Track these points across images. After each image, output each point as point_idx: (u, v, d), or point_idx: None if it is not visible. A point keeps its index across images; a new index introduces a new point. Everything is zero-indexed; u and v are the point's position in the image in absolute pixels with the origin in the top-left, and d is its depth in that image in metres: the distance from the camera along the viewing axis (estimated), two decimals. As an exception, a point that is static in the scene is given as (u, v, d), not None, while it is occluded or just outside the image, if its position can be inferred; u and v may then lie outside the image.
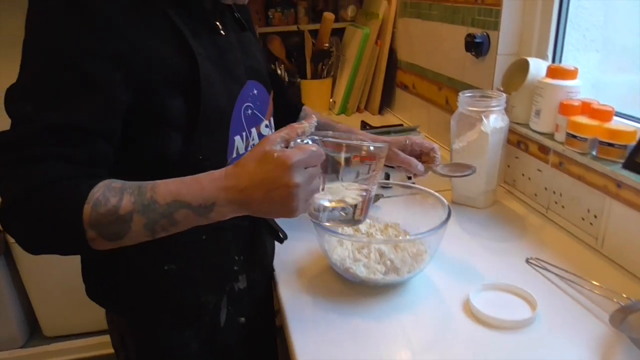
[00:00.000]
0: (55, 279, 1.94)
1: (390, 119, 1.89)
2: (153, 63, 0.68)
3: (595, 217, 0.97)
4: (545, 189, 1.10)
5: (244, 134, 0.80)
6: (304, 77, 1.95)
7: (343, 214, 0.78)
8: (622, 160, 0.91)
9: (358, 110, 1.98)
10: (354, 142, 0.78)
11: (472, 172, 0.98)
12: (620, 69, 1.08)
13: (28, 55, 0.64)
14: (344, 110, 1.96)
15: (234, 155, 0.78)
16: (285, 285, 0.89)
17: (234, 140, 0.78)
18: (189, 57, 0.71)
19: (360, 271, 0.84)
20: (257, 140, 0.84)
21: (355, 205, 0.78)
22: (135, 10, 0.66)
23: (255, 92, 0.83)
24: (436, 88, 1.56)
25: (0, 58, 1.77)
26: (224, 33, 0.80)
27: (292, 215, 0.66)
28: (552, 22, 1.14)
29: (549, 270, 0.91)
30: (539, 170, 1.12)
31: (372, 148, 0.79)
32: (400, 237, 0.94)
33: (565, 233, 1.04)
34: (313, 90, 1.97)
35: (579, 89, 1.04)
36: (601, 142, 0.93)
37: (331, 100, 1.98)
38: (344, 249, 0.88)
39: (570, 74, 1.04)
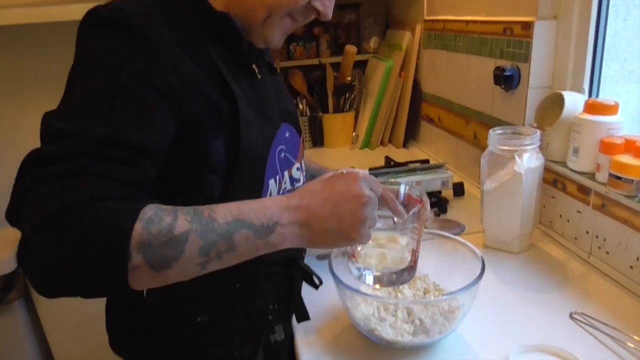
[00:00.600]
0: (76, 327, 1.90)
1: (415, 152, 1.83)
2: (200, 103, 0.67)
3: (646, 266, 0.88)
4: (587, 232, 1.01)
5: (277, 177, 0.79)
6: (326, 111, 1.91)
7: (394, 275, 0.74)
8: (675, 205, 0.83)
9: (382, 143, 1.92)
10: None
11: (460, 231, 0.91)
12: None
13: (78, 78, 0.62)
14: (367, 144, 1.91)
15: None
16: (305, 345, 0.82)
17: (269, 184, 0.76)
18: (230, 99, 0.70)
19: (387, 332, 0.77)
20: (289, 184, 0.82)
21: (408, 266, 0.75)
22: (185, 49, 0.66)
23: (287, 134, 0.82)
24: (463, 122, 1.49)
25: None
26: (259, 76, 0.80)
27: (360, 236, 0.65)
28: (588, 53, 1.07)
29: (595, 328, 0.82)
30: (578, 212, 1.03)
31: (418, 193, 0.77)
32: (431, 296, 0.87)
33: (611, 282, 0.95)
34: (335, 124, 1.92)
35: (621, 124, 0.96)
36: (650, 185, 0.85)
37: (354, 134, 1.93)
38: (369, 306, 0.82)
39: (611, 109, 0.96)
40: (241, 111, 0.70)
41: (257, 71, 0.80)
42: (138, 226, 0.53)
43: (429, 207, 0.91)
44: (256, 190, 0.75)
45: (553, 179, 1.10)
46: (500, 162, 1.04)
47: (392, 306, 0.80)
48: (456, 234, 0.90)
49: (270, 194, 0.77)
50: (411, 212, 0.76)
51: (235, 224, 0.58)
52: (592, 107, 0.97)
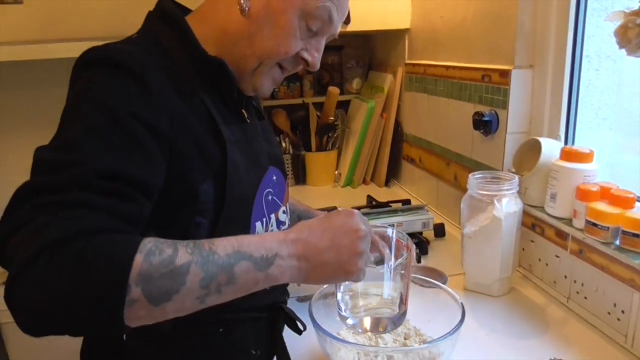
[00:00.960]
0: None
1: (397, 191, 1.84)
2: (190, 145, 0.67)
3: (623, 312, 0.89)
4: (565, 277, 1.03)
5: (264, 219, 0.79)
6: (309, 149, 1.93)
7: (391, 321, 0.75)
8: (650, 253, 0.84)
9: (364, 182, 1.94)
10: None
11: (443, 282, 0.92)
12: (637, 149, 1.03)
13: (74, 114, 0.62)
14: (349, 182, 1.92)
15: None
16: (284, 393, 0.81)
17: (255, 226, 0.76)
18: (219, 143, 0.71)
19: (367, 380, 0.76)
20: (276, 226, 0.83)
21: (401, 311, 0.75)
22: (178, 92, 0.67)
23: (274, 178, 0.83)
24: (444, 163, 1.52)
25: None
26: (249, 121, 0.81)
27: (357, 269, 0.66)
28: (563, 101, 1.11)
29: (576, 375, 0.82)
30: (557, 256, 1.05)
31: (405, 237, 0.77)
32: (413, 341, 0.86)
33: (589, 327, 0.96)
34: (318, 163, 1.94)
35: (596, 172, 0.99)
36: (625, 232, 0.87)
37: (337, 172, 1.94)
38: (349, 352, 0.80)
39: (586, 157, 0.99)
40: (229, 154, 0.71)
41: (246, 116, 0.81)
42: (139, 257, 0.52)
43: (414, 252, 0.93)
44: (243, 233, 0.75)
45: (532, 223, 1.12)
46: (480, 206, 1.05)
47: (373, 353, 0.80)
48: (438, 286, 0.90)
49: None
50: (402, 258, 0.76)
51: (236, 256, 0.58)
52: (568, 155, 1.00)
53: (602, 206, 0.91)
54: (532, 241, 1.12)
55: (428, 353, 0.80)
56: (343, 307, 0.76)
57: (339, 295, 0.76)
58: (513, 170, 1.12)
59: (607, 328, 0.92)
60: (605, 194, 0.94)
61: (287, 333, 0.86)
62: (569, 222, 1.00)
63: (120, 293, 0.51)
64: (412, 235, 1.32)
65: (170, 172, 0.65)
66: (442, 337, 0.73)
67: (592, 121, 1.15)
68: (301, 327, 0.84)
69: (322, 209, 1.49)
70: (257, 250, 0.60)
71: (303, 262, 0.63)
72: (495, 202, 1.02)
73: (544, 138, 1.09)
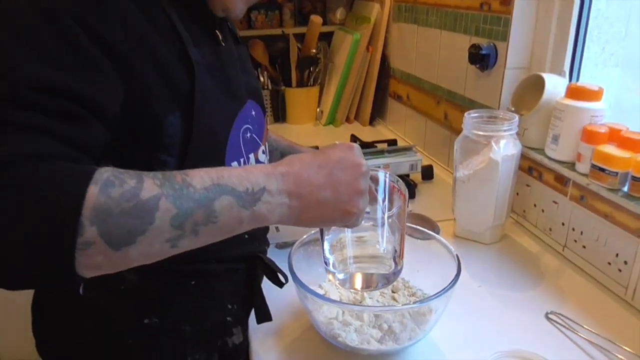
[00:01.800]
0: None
1: (382, 131, 1.75)
2: (152, 67, 0.55)
3: (626, 263, 0.83)
4: (563, 224, 0.96)
5: (241, 160, 0.68)
6: (289, 85, 1.80)
7: (385, 279, 0.67)
8: (661, 201, 0.77)
9: (347, 120, 1.83)
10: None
11: (436, 232, 0.82)
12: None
13: (4, 18, 0.49)
14: (332, 120, 1.81)
15: None
16: (260, 350, 0.74)
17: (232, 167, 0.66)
18: (187, 66, 0.59)
19: (351, 339, 0.69)
20: None
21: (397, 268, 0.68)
22: (138, 3, 0.55)
23: (253, 113, 0.72)
24: (434, 101, 1.42)
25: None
26: (224, 44, 0.69)
27: (358, 210, 0.57)
28: (570, 33, 1.00)
29: (572, 330, 0.77)
30: (554, 202, 0.97)
31: (397, 182, 0.68)
32: (401, 295, 0.79)
33: (587, 278, 0.90)
34: (299, 99, 1.81)
35: (604, 112, 0.90)
36: (635, 178, 0.79)
37: (318, 110, 1.83)
38: (332, 308, 0.73)
39: (595, 94, 0.90)
40: (198, 79, 0.60)
41: (220, 38, 0.69)
42: (93, 189, 0.42)
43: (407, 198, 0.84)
44: None
45: (529, 166, 1.04)
46: (475, 148, 0.97)
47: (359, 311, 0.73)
48: (428, 239, 0.82)
49: None
50: (395, 208, 0.67)
51: (215, 189, 0.48)
52: (575, 92, 0.91)
53: (610, 149, 0.83)
54: (527, 185, 1.05)
55: (418, 309, 0.73)
56: (331, 260, 0.67)
57: (327, 246, 0.67)
58: (512, 109, 1.03)
59: (606, 279, 0.87)
60: (615, 136, 0.85)
61: (267, 285, 0.78)
62: (571, 166, 0.92)
63: (70, 234, 0.40)
64: (399, 177, 1.24)
65: (129, 100, 0.54)
66: (435, 295, 0.66)
67: (598, 57, 1.05)
68: (282, 280, 0.76)
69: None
70: (241, 183, 0.50)
71: (295, 199, 0.53)
72: (493, 143, 0.94)
73: (547, 74, 0.99)
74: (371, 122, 1.80)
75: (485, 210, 0.98)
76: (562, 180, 0.95)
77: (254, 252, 0.76)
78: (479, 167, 0.96)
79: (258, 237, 0.79)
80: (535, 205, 1.04)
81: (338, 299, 0.77)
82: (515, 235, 1.05)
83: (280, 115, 1.85)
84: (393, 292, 0.80)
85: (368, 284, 0.66)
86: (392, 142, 1.48)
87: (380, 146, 1.44)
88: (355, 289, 0.69)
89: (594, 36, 1.02)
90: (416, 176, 1.29)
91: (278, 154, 0.98)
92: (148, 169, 0.52)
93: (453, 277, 0.69)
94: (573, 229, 0.94)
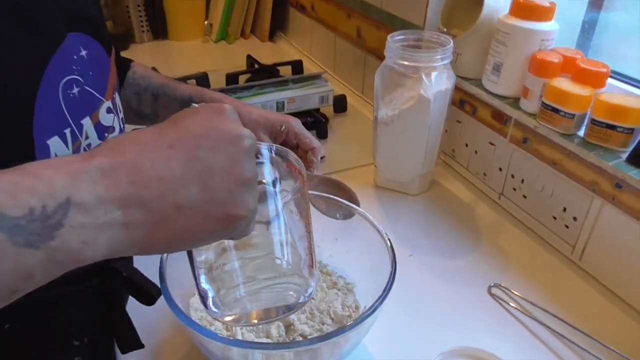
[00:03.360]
0: None
1: (285, 49, 1.49)
2: None
3: (575, 219, 0.71)
4: (500, 169, 0.82)
5: (67, 131, 0.43)
6: (168, -8, 1.46)
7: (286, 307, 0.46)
8: (625, 149, 0.64)
9: (243, 35, 1.55)
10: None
11: (356, 204, 0.63)
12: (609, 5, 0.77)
13: None
14: (223, 35, 1.52)
15: None
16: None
17: (48, 145, 0.41)
18: None
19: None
20: (95, 137, 0.47)
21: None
22: None
23: (83, 53, 0.46)
24: (344, 14, 1.18)
25: None
26: None
27: (244, 213, 0.35)
28: None
29: (520, 309, 0.64)
30: (491, 144, 0.82)
31: (290, 155, 0.46)
32: (336, 291, 0.61)
33: (527, 233, 0.78)
34: (181, 11, 1.48)
35: (555, 34, 0.73)
36: (595, 122, 0.65)
37: (206, 22, 1.52)
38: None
39: (546, 12, 0.72)
40: None
41: None
42: None
43: (319, 158, 0.64)
44: (19, 162, 0.40)
45: (460, 98, 0.87)
46: (401, 81, 0.77)
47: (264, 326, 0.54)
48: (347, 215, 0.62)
49: None
50: (290, 194, 0.47)
51: None
52: (522, 9, 0.72)
53: (566, 85, 0.67)
54: (458, 122, 0.89)
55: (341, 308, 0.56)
56: (210, 295, 0.45)
57: (201, 274, 0.44)
58: (444, 29, 0.83)
59: (550, 235, 0.75)
60: (570, 66, 0.69)
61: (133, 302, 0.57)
62: (514, 102, 0.76)
63: None
64: (307, 113, 1.03)
65: None
66: (361, 318, 0.48)
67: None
68: (154, 294, 0.55)
69: (190, 77, 1.12)
70: (16, 199, 0.28)
71: (135, 210, 0.32)
72: (423, 76, 0.75)
73: (485, -17, 0.79)
74: (271, 37, 1.54)
75: (413, 158, 0.81)
76: (500, 118, 0.79)
77: (108, 264, 0.53)
78: (405, 105, 0.77)
79: None
80: (466, 145, 0.88)
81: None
82: (444, 180, 0.90)
83: (159, 29, 1.52)
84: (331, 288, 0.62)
85: (268, 316, 0.46)
86: (297, 64, 1.25)
87: (283, 71, 1.21)
88: (252, 323, 0.49)
89: None
90: (327, 109, 1.09)
91: (148, 96, 0.71)
92: None
93: (386, 283, 0.51)
94: (512, 176, 0.80)
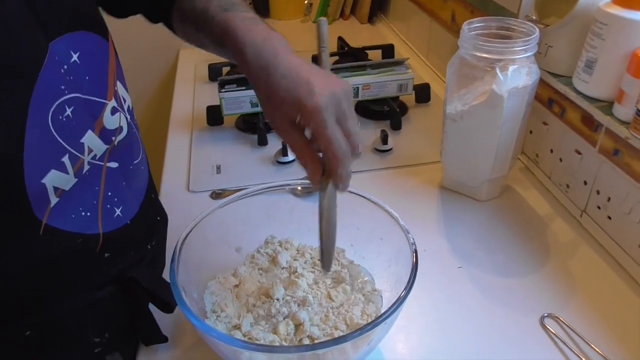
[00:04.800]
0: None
1: (382, 31, 1.43)
2: None
3: (665, 252, 0.59)
4: (585, 183, 0.71)
5: (65, 158, 0.40)
6: (271, -31, 1.47)
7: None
8: None
9: (342, 16, 1.51)
10: None
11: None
12: None
13: None
14: (323, 15, 1.50)
15: (54, 200, 0.41)
16: (146, 361, 0.56)
17: (44, 185, 0.39)
18: None
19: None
20: (102, 145, 0.45)
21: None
22: None
23: (74, 57, 0.41)
24: (441, -4, 1.10)
25: None
26: None
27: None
28: None
29: (573, 348, 0.55)
30: (578, 152, 0.72)
31: None
32: (344, 286, 0.58)
33: (607, 259, 0.67)
34: (283, -11, 1.49)
35: (668, 28, 0.61)
36: (701, 139, 0.53)
37: (306, 2, 1.51)
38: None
39: (657, 1, 0.60)
40: None
41: None
42: None
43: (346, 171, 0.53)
44: (13, 204, 0.38)
45: (549, 97, 0.76)
46: (475, 74, 0.69)
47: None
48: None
49: (56, 192, 0.41)
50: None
51: None
52: (628, -3, 0.61)
53: (669, 90, 0.55)
54: (545, 123, 0.78)
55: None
56: None
57: None
58: (533, 17, 0.73)
59: (633, 266, 0.64)
60: (679, 68, 0.57)
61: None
62: (607, 107, 0.65)
63: None
64: (384, 101, 0.98)
65: None
66: (369, 325, 0.44)
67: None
68: (172, 304, 0.53)
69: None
70: None
71: None
72: (497, 70, 0.66)
73: (590, -35, 0.68)
74: (370, 19, 1.48)
75: (482, 160, 0.73)
76: (591, 123, 0.68)
77: (122, 274, 0.51)
78: (476, 101, 0.69)
79: (124, 251, 0.51)
80: (551, 152, 0.78)
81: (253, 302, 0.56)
82: (520, 187, 0.81)
83: (261, 8, 1.54)
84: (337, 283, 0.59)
85: None
86: (388, 48, 1.20)
87: (373, 55, 1.17)
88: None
89: None
90: (409, 98, 1.02)
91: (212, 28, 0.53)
92: None
93: (406, 284, 0.46)
94: (598, 192, 0.69)
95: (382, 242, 0.58)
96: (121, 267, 0.50)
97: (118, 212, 0.48)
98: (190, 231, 0.53)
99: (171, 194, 0.81)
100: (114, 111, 0.46)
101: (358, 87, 0.94)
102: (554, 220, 0.74)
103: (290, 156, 0.86)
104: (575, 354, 0.55)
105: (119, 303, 0.52)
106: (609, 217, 0.67)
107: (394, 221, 0.55)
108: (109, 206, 0.46)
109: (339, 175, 0.46)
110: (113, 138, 0.46)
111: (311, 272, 0.59)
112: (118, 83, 0.48)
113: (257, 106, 0.92)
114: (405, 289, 0.47)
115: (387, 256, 0.57)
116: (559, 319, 0.59)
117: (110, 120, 0.45)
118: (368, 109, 0.99)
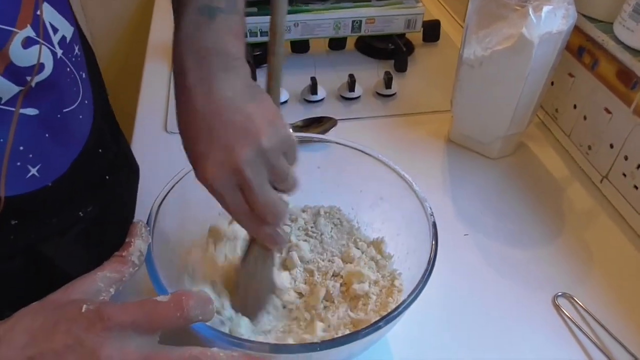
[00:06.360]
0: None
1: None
2: None
3: (698, 232, 0.53)
4: (611, 146, 0.63)
5: None
6: None
7: None
8: None
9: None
10: None
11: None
12: None
13: None
14: None
15: None
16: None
17: None
18: None
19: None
20: (9, 85, 0.34)
21: None
22: None
23: None
24: None
25: None
26: None
27: None
28: None
29: (586, 332, 0.50)
30: (607, 111, 0.63)
31: None
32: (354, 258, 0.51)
33: (626, 232, 0.61)
34: None
35: None
36: None
37: None
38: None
39: None
40: None
41: None
42: None
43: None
44: None
45: (579, 44, 0.67)
46: (500, 13, 0.60)
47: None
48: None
49: None
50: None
51: None
52: None
53: None
54: (570, 75, 0.70)
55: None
56: None
57: None
58: (576, -52, 0.63)
59: (659, 244, 0.58)
60: None
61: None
62: (651, 61, 0.56)
63: None
64: (389, 38, 0.87)
65: None
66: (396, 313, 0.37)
67: None
68: None
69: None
70: None
71: None
72: (530, 9, 0.57)
73: None
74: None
75: (499, 115, 0.65)
76: (628, 79, 0.59)
77: (31, 243, 0.41)
78: (500, 46, 0.60)
79: (41, 218, 0.42)
80: (575, 107, 0.70)
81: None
82: (535, 145, 0.73)
83: None
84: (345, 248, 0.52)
85: None
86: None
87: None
88: None
89: None
90: (416, 36, 0.92)
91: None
92: None
93: (425, 270, 0.40)
94: (625, 158, 0.61)
95: (390, 206, 0.50)
96: (34, 237, 0.41)
97: (33, 171, 0.37)
98: (168, 193, 0.45)
99: (146, 135, 0.72)
100: (28, 43, 0.34)
101: (361, 20, 0.83)
102: (570, 185, 0.67)
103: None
104: (590, 339, 0.50)
105: (32, 279, 0.43)
106: (635, 187, 0.60)
107: (407, 185, 0.47)
108: (19, 164, 0.36)
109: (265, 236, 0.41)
110: (28, 78, 0.36)
111: (305, 241, 0.52)
112: (46, 5, 0.36)
113: (247, 36, 0.81)
114: (422, 276, 0.40)
115: (396, 223, 0.50)
116: (573, 299, 0.53)
117: (22, 55, 0.34)
118: (371, 46, 0.89)
